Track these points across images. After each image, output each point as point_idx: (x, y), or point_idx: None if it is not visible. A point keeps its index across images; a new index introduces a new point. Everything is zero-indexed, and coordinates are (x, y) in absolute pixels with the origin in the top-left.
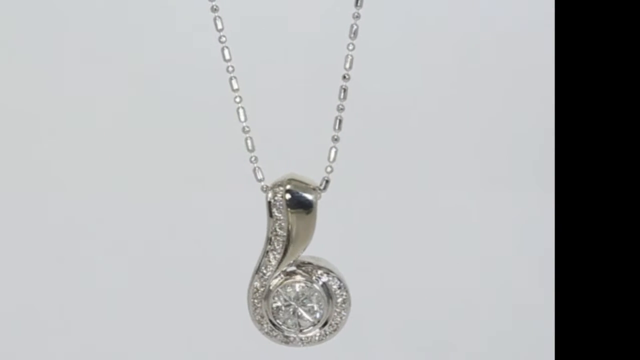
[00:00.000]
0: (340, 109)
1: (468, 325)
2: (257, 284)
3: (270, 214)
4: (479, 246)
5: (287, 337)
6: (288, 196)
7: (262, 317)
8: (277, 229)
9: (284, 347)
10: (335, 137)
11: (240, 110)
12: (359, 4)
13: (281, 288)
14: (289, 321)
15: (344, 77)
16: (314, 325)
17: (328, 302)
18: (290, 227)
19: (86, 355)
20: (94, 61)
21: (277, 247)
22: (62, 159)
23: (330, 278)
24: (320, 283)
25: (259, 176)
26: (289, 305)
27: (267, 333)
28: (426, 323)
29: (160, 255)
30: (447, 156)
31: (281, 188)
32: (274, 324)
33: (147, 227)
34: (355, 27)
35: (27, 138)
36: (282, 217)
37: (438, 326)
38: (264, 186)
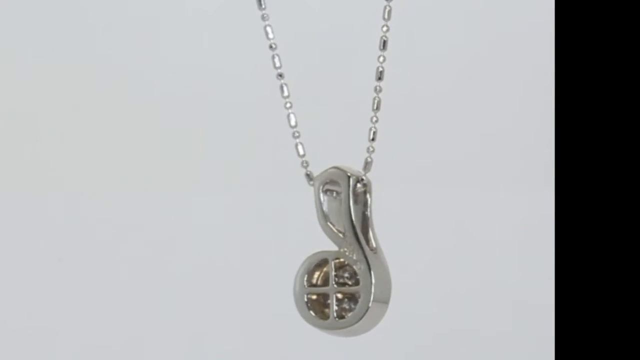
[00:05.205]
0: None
1: (468, 325)
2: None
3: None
4: (478, 246)
5: None
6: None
7: None
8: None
9: (286, 351)
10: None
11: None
12: None
13: None
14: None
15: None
16: None
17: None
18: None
19: (86, 356)
20: (94, 60)
21: None
22: (62, 159)
23: None
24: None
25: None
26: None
27: None
28: (425, 322)
29: (160, 256)
30: (446, 156)
31: (362, 177)
32: None
33: (147, 228)
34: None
35: (26, 138)
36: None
37: (437, 326)
38: (362, 180)
